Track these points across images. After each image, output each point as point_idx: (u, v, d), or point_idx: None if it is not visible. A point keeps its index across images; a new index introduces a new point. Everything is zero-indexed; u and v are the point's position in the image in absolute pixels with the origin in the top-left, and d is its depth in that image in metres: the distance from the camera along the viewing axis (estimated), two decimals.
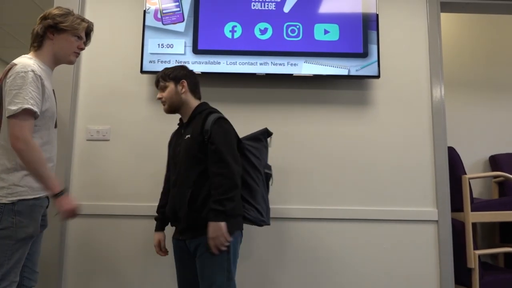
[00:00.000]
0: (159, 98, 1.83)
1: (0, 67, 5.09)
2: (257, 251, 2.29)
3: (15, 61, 1.62)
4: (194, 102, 1.84)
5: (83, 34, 1.76)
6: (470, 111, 3.41)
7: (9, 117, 1.54)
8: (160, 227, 1.90)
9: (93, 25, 1.82)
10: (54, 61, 1.73)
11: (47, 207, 1.73)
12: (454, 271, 2.32)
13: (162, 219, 1.90)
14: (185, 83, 1.81)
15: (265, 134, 1.94)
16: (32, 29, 1.70)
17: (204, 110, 1.79)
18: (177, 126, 1.91)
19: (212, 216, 1.61)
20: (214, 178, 1.64)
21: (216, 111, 1.79)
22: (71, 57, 1.74)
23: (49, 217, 1.82)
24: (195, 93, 1.86)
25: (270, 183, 1.95)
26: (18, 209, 1.57)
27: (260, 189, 1.84)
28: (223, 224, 1.60)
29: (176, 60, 2.32)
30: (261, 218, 1.81)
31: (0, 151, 1.59)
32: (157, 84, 1.84)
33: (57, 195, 1.60)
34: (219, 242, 1.60)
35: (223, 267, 1.63)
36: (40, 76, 1.60)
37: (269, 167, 1.95)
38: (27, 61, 1.60)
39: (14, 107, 1.53)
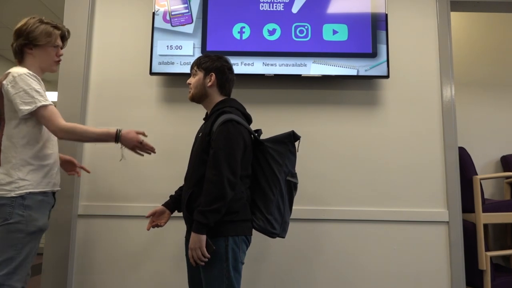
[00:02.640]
0: (188, 83, 1.79)
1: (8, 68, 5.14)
2: (266, 252, 2.29)
3: (8, 70, 1.71)
4: (217, 98, 1.76)
5: (59, 41, 1.83)
6: (481, 111, 3.37)
7: (27, 116, 1.66)
8: (167, 204, 1.83)
9: (67, 30, 1.88)
10: (39, 72, 1.81)
11: (52, 206, 1.79)
12: (466, 273, 2.30)
13: (174, 197, 1.85)
14: (213, 77, 1.74)
15: (291, 137, 1.77)
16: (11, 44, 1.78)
17: (221, 108, 1.70)
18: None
19: (194, 226, 1.55)
20: (205, 183, 1.57)
21: (232, 111, 1.68)
22: (53, 67, 1.83)
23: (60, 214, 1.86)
24: (223, 89, 1.77)
25: (294, 193, 1.79)
26: (28, 204, 1.65)
27: (276, 198, 1.71)
28: (203, 238, 1.54)
29: (185, 62, 2.33)
30: (271, 230, 1.69)
31: (5, 149, 1.68)
32: (191, 68, 1.81)
33: (117, 138, 1.74)
34: (196, 255, 1.55)
35: (221, 274, 1.57)
36: (36, 77, 1.71)
37: (294, 175, 1.78)
38: (20, 69, 1.71)
39: (27, 107, 1.64)
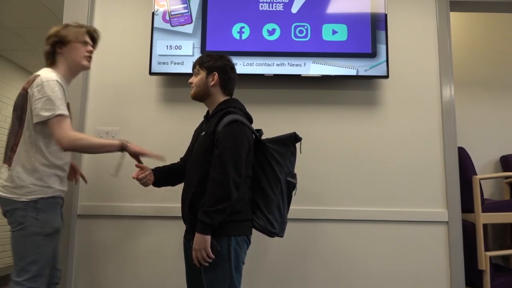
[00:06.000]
0: (190, 83, 1.79)
1: (11, 69, 5.15)
2: (266, 252, 2.29)
3: (37, 72, 1.74)
4: (220, 97, 1.76)
5: (87, 39, 1.87)
6: (481, 111, 3.37)
7: (44, 123, 1.67)
8: (155, 172, 1.82)
9: (94, 29, 1.93)
10: (70, 73, 1.84)
11: (61, 206, 1.83)
12: (465, 273, 2.30)
13: (156, 170, 1.84)
14: (216, 76, 1.74)
15: (293, 138, 1.78)
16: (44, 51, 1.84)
17: (225, 108, 1.70)
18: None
19: (198, 227, 1.55)
20: (210, 183, 1.57)
21: (236, 112, 1.69)
22: (83, 62, 1.85)
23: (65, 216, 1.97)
24: (226, 88, 1.77)
25: (293, 193, 1.81)
26: (41, 207, 1.68)
27: (277, 198, 1.72)
28: (208, 238, 1.54)
29: (185, 62, 2.33)
30: (271, 229, 1.70)
31: (21, 153, 1.70)
32: (193, 67, 1.80)
33: (122, 148, 1.78)
34: (201, 255, 1.55)
35: (224, 274, 1.58)
36: (62, 86, 1.73)
37: (294, 176, 1.80)
38: (49, 73, 1.74)
39: (46, 113, 1.66)
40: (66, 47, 1.81)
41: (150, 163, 1.88)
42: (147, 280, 2.27)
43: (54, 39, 1.80)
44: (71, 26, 1.84)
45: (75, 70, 1.86)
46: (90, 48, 1.87)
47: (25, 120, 1.71)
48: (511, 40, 3.48)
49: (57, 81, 1.70)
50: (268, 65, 2.33)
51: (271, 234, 1.72)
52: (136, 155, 1.82)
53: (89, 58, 1.87)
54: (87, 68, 1.88)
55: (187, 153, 1.88)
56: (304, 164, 2.34)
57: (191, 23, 2.36)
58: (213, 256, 1.55)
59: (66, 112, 1.70)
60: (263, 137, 1.82)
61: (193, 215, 1.63)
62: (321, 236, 2.30)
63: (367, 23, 2.36)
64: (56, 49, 1.81)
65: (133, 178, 1.77)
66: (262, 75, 2.33)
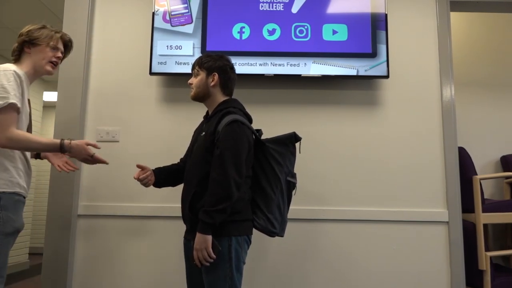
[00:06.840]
0: (190, 84, 1.78)
1: None
2: (266, 252, 2.29)
3: None
4: (220, 98, 1.76)
5: (59, 45, 1.81)
6: (481, 111, 3.37)
7: None
8: (156, 173, 1.82)
9: (69, 38, 1.86)
10: (33, 73, 1.77)
11: (24, 205, 1.72)
12: (465, 273, 2.30)
13: (156, 171, 1.84)
14: (216, 76, 1.74)
15: (292, 138, 1.78)
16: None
17: (225, 108, 1.70)
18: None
19: (199, 227, 1.55)
20: (210, 183, 1.58)
21: (236, 112, 1.69)
22: (46, 67, 1.77)
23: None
24: (226, 88, 1.77)
25: (293, 192, 1.81)
26: (4, 204, 1.58)
27: (277, 198, 1.73)
28: (209, 238, 1.54)
29: (185, 62, 2.32)
30: (271, 229, 1.70)
31: None
32: (192, 68, 1.80)
33: (62, 148, 1.68)
34: (202, 255, 1.55)
35: (225, 274, 1.58)
36: (20, 77, 1.65)
37: (293, 175, 1.80)
38: (8, 65, 1.67)
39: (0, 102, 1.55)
40: (35, 48, 1.74)
41: (151, 164, 1.88)
42: (147, 280, 2.27)
43: (24, 38, 1.74)
44: (46, 29, 1.78)
45: (38, 73, 1.78)
46: (59, 54, 1.80)
47: None
48: (511, 40, 3.48)
49: (14, 71, 1.62)
50: (268, 65, 2.33)
51: (271, 233, 1.72)
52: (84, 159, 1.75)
53: (54, 64, 1.79)
54: (50, 73, 1.79)
55: (187, 154, 1.88)
56: (304, 164, 2.34)
57: (191, 23, 2.36)
58: (214, 256, 1.55)
59: (18, 103, 1.59)
60: (263, 137, 1.82)
61: (193, 215, 1.63)
62: (321, 236, 2.30)
63: (367, 23, 2.36)
64: (24, 48, 1.75)
65: (134, 178, 1.77)
66: (262, 75, 2.33)
